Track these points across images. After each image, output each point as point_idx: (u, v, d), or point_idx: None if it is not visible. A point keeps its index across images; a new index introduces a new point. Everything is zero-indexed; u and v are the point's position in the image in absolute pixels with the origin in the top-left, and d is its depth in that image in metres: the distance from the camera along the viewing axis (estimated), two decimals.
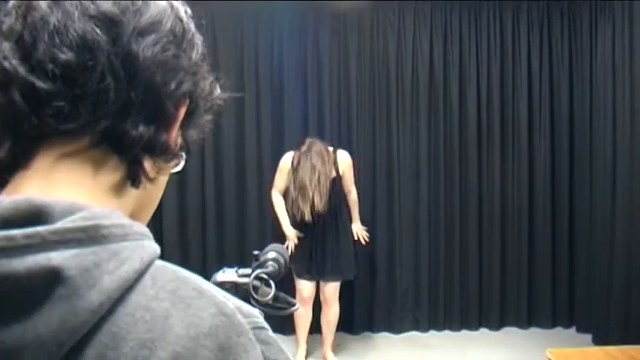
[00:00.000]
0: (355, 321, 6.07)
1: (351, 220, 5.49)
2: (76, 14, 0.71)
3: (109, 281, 0.64)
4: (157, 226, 5.89)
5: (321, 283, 5.35)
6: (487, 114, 6.20)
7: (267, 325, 0.76)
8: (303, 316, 5.32)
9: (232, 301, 0.73)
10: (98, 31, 0.71)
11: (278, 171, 5.33)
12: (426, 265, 6.22)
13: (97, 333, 0.64)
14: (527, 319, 6.31)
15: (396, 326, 6.21)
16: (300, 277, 5.26)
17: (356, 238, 5.47)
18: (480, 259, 6.28)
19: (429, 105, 6.17)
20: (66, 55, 0.70)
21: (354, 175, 5.46)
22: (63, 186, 0.73)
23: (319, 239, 5.24)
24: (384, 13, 6.12)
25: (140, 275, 0.68)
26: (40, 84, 0.70)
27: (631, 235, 5.28)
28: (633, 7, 5.24)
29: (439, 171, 6.21)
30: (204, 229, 6.06)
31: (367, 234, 5.55)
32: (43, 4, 0.72)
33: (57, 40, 0.70)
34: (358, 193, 5.52)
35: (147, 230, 0.74)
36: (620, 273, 5.39)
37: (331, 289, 5.34)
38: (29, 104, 0.70)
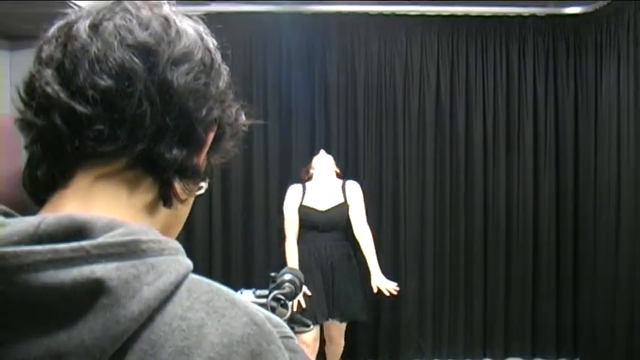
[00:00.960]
0: (359, 348, 6.03)
1: (357, 259, 5.16)
2: (115, 44, 0.76)
3: (148, 292, 0.68)
4: None
5: (326, 324, 5.11)
6: (493, 142, 6.21)
7: (294, 335, 0.81)
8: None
9: (262, 312, 0.77)
10: (136, 59, 0.76)
11: (285, 215, 5.08)
12: (430, 294, 6.19)
13: (137, 341, 0.68)
14: (531, 350, 6.25)
15: (400, 355, 6.16)
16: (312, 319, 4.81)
17: (376, 290, 5.02)
18: (484, 289, 6.25)
19: (435, 132, 6.20)
20: (105, 82, 0.75)
21: None
22: (100, 205, 0.77)
23: (328, 279, 4.94)
24: (392, 40, 6.17)
25: (176, 287, 0.72)
26: (81, 108, 0.74)
27: (634, 267, 5.27)
28: (638, 37, 5.29)
29: (445, 199, 6.21)
30: (211, 252, 6.07)
31: (396, 287, 5.03)
32: (84, 34, 0.77)
33: (97, 68, 0.75)
34: None
35: (180, 246, 0.78)
36: (624, 305, 5.36)
37: (337, 330, 5.17)
38: (70, 127, 0.75)
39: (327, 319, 4.93)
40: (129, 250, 0.69)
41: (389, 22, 6.17)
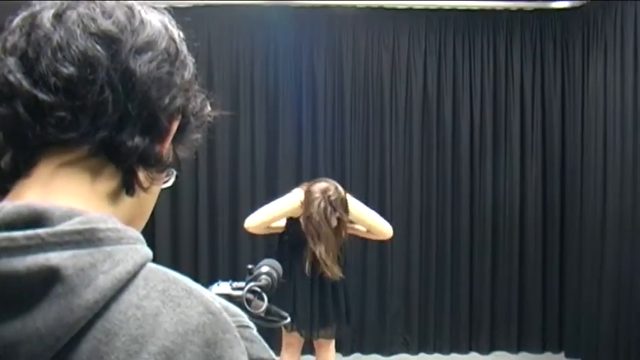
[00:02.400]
0: (346, 342, 6.04)
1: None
2: (78, 32, 0.76)
3: (104, 281, 0.69)
4: (149, 241, 5.90)
5: (316, 342, 4.59)
6: (480, 136, 6.22)
7: (252, 325, 0.81)
8: None
9: (219, 301, 0.77)
10: (98, 47, 0.76)
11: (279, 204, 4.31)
12: (416, 288, 6.21)
13: (91, 329, 0.68)
14: (517, 344, 6.29)
15: (386, 348, 6.18)
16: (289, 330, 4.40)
17: None
18: (470, 283, 6.27)
19: (422, 126, 6.20)
20: (68, 70, 0.74)
21: None
22: (61, 193, 0.77)
23: (315, 291, 4.39)
24: (379, 34, 6.17)
25: (133, 276, 0.72)
26: (43, 96, 0.74)
27: (620, 260, 5.30)
28: (624, 33, 5.30)
29: (431, 194, 6.22)
30: (197, 243, 6.08)
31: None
32: (47, 23, 0.77)
33: (59, 56, 0.75)
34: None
35: (140, 235, 0.79)
36: (609, 299, 5.40)
37: (325, 343, 4.58)
38: (32, 115, 0.75)
39: (308, 335, 4.47)
40: (86, 239, 0.70)
41: (376, 15, 6.15)
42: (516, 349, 6.30)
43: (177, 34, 0.88)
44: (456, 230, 6.25)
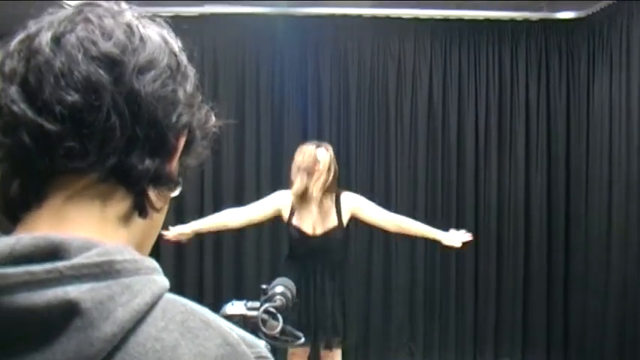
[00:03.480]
0: (351, 351, 6.04)
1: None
2: (79, 56, 0.74)
3: (122, 313, 0.68)
4: (153, 255, 5.92)
5: (322, 353, 4.55)
6: (485, 146, 6.23)
7: (270, 355, 0.80)
8: None
9: (237, 332, 0.77)
10: (101, 71, 0.74)
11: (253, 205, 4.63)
12: (421, 297, 6.21)
13: None
14: (521, 353, 6.28)
15: (391, 357, 6.17)
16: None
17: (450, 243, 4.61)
18: (475, 292, 6.27)
19: (427, 136, 6.21)
20: (72, 97, 0.73)
21: None
22: (74, 222, 0.76)
23: (317, 296, 4.43)
24: (385, 44, 6.19)
25: (151, 307, 0.72)
26: (49, 125, 0.73)
27: (625, 271, 5.30)
28: (630, 43, 5.31)
29: (436, 203, 6.22)
30: (202, 257, 6.09)
31: (468, 234, 4.69)
32: (46, 48, 0.75)
33: (62, 83, 0.73)
34: (355, 225, 5.47)
35: (157, 265, 0.78)
36: (615, 308, 5.39)
37: (334, 354, 4.55)
38: (39, 145, 0.73)
39: (312, 343, 4.41)
40: (103, 271, 0.69)
41: (382, 25, 6.18)
42: (521, 357, 6.28)
43: (176, 45, 0.87)
44: None
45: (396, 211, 6.06)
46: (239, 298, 1.78)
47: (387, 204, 6.08)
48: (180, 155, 0.86)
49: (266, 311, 1.66)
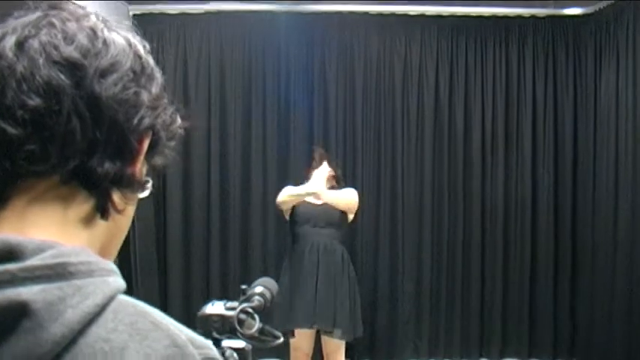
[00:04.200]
0: (357, 348, 6.05)
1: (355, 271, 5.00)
2: (41, 61, 0.75)
3: (72, 314, 0.69)
4: (160, 251, 6.02)
5: (323, 339, 4.75)
6: (491, 142, 6.21)
7: (218, 356, 0.81)
8: None
9: (186, 333, 0.78)
10: (62, 76, 0.75)
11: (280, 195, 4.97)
12: (427, 294, 6.19)
13: None
14: (528, 351, 6.26)
15: (396, 355, 6.17)
16: (295, 324, 4.60)
17: None
18: (481, 289, 6.25)
19: (434, 133, 6.19)
20: (34, 101, 0.74)
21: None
22: (36, 224, 0.77)
23: (315, 283, 4.60)
24: (391, 40, 6.17)
25: (102, 309, 0.72)
26: (11, 130, 0.74)
27: (632, 268, 5.28)
28: (637, 39, 5.29)
29: (443, 199, 6.20)
30: (209, 252, 6.11)
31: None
32: (10, 53, 0.76)
33: (24, 87, 0.74)
34: (362, 222, 5.59)
35: (113, 267, 0.79)
36: (622, 306, 5.37)
37: (332, 346, 4.72)
38: (1, 149, 0.75)
39: (310, 327, 4.60)
40: (56, 273, 0.70)
41: (388, 21, 6.16)
42: (527, 355, 6.26)
43: (142, 48, 0.87)
44: (467, 237, 6.23)
45: (403, 206, 6.10)
46: (220, 299, 1.79)
47: (393, 201, 6.13)
48: (146, 156, 0.87)
49: (243, 311, 1.67)
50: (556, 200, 6.27)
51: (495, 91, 6.22)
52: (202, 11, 6.01)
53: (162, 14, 6.01)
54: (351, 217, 4.98)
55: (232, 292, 5.88)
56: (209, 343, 0.81)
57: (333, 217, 4.81)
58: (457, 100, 6.20)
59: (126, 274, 5.66)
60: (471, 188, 6.21)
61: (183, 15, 6.04)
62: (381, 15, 6.15)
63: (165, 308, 5.98)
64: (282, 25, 6.04)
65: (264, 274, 5.69)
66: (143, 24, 5.89)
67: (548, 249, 6.25)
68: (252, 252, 6.11)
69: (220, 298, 1.77)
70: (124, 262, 5.74)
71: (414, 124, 6.17)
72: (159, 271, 6.05)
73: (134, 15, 5.92)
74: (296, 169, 5.91)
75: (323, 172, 4.96)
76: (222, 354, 1.66)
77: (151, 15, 5.98)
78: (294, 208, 4.88)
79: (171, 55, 6.03)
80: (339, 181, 5.12)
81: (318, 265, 4.64)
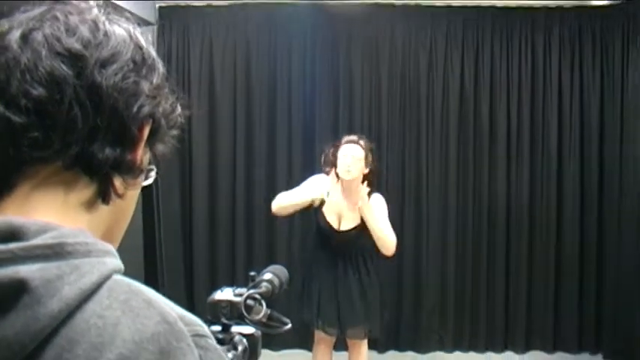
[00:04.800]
0: (381, 339, 6.07)
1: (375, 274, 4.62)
2: (44, 53, 0.80)
3: (69, 291, 0.73)
4: (186, 238, 6.12)
5: (349, 342, 4.68)
6: (517, 134, 6.17)
7: (208, 333, 0.84)
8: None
9: (177, 311, 0.81)
10: (64, 66, 0.80)
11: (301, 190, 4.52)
12: (452, 286, 6.21)
13: (56, 337, 0.72)
14: (553, 343, 6.24)
15: (421, 346, 6.19)
16: (315, 327, 4.58)
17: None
18: (506, 281, 6.25)
19: (459, 124, 6.18)
20: (37, 91, 0.78)
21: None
22: (39, 208, 0.82)
23: (340, 286, 4.47)
24: (417, 32, 6.15)
25: (98, 287, 0.76)
26: (16, 118, 0.78)
27: None
28: None
29: (467, 192, 6.20)
30: (234, 240, 6.20)
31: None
32: (15, 45, 0.80)
33: (28, 77, 0.78)
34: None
35: (111, 249, 0.83)
36: None
37: (355, 347, 4.65)
38: (6, 136, 0.79)
39: (326, 329, 4.55)
40: (55, 252, 0.74)
41: (414, 13, 6.15)
42: (552, 348, 6.25)
43: (143, 40, 0.91)
44: (492, 228, 6.22)
45: (428, 201, 6.10)
46: (230, 285, 1.82)
47: (418, 195, 6.12)
48: (147, 144, 0.91)
49: (251, 297, 1.70)
50: (582, 192, 6.22)
51: (521, 83, 6.18)
52: (228, 4, 6.06)
53: (188, 7, 6.06)
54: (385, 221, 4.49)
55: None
56: (199, 320, 0.84)
57: (354, 246, 4.46)
58: (482, 91, 6.17)
59: (152, 267, 5.81)
60: (495, 180, 6.19)
61: (208, 7, 6.08)
62: (406, 6, 6.15)
63: (191, 296, 6.08)
64: (307, 16, 6.06)
65: (289, 259, 5.80)
66: (169, 17, 6.01)
67: (573, 242, 6.21)
68: (277, 238, 6.18)
69: (230, 285, 1.80)
70: (149, 253, 5.83)
71: (438, 115, 6.16)
72: (184, 262, 6.18)
73: (160, 8, 6.00)
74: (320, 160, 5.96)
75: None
76: (232, 339, 1.69)
77: (176, 8, 6.05)
78: (317, 222, 4.55)
79: (197, 48, 6.08)
80: (370, 184, 4.45)
81: (336, 275, 4.47)
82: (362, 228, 4.37)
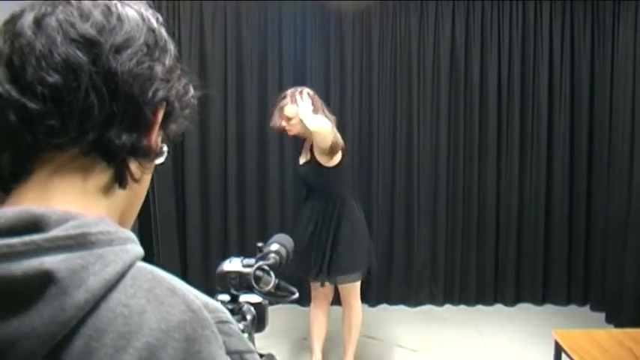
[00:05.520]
0: (372, 293, 6.18)
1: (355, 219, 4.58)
2: (59, 39, 0.79)
3: (94, 281, 0.74)
4: (180, 211, 6.20)
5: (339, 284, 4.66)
6: (507, 94, 6.23)
7: (231, 319, 0.86)
8: (314, 319, 4.76)
9: (201, 299, 0.83)
10: (79, 53, 0.80)
11: None
12: (442, 240, 6.34)
13: (83, 326, 0.74)
14: (542, 296, 6.40)
15: (412, 299, 6.33)
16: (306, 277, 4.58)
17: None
18: (496, 235, 6.37)
19: (450, 84, 6.23)
20: (53, 78, 0.78)
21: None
22: (57, 195, 0.83)
23: (319, 236, 4.46)
24: None
25: (122, 276, 0.78)
26: (32, 105, 0.79)
27: None
28: None
29: (458, 152, 6.28)
30: (226, 206, 6.27)
31: None
32: (28, 31, 0.80)
33: (43, 64, 0.79)
34: (377, 174, 5.66)
35: (131, 235, 0.84)
36: (635, 251, 5.45)
37: (345, 290, 4.67)
38: (23, 123, 0.79)
39: (313, 278, 4.54)
40: (78, 242, 0.75)
41: None
42: (541, 300, 6.39)
43: (155, 21, 0.91)
44: (482, 184, 6.31)
45: (419, 155, 6.12)
46: (238, 256, 1.85)
47: (408, 152, 6.17)
48: (162, 126, 0.92)
49: (260, 268, 1.74)
50: (572, 147, 6.29)
51: (512, 41, 6.19)
52: None
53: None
54: (336, 158, 4.38)
55: (250, 246, 6.01)
56: (221, 307, 0.86)
57: (313, 184, 4.53)
58: (473, 52, 6.19)
59: (146, 233, 5.80)
60: (486, 140, 6.26)
61: None
62: None
63: (184, 262, 6.11)
64: None
65: (281, 228, 5.82)
66: None
67: (563, 196, 6.33)
68: (270, 206, 6.27)
69: (237, 255, 1.83)
70: (144, 221, 5.85)
71: (429, 75, 6.20)
72: (177, 227, 6.23)
73: None
74: None
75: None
76: (240, 309, 1.73)
77: None
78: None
79: (187, 24, 6.05)
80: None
81: (315, 223, 4.47)
82: (314, 162, 4.40)
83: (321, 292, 4.69)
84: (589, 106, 6.25)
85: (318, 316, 4.75)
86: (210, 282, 6.02)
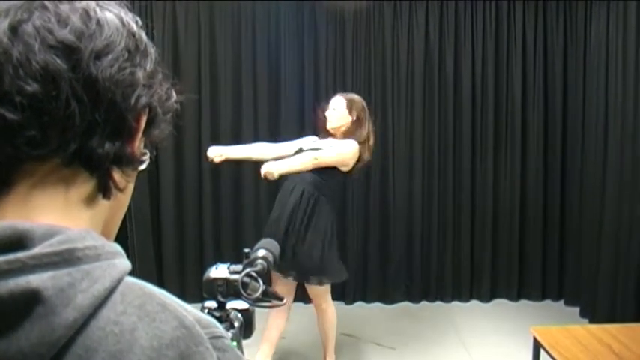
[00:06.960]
0: (349, 291, 6.19)
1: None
2: (37, 46, 0.75)
3: (82, 299, 0.71)
4: (154, 214, 6.15)
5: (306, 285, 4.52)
6: (481, 90, 6.26)
7: (225, 334, 0.84)
8: (273, 317, 4.52)
9: (192, 314, 0.81)
10: (58, 60, 0.75)
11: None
12: (418, 237, 6.35)
13: (72, 346, 0.71)
14: (517, 292, 6.45)
15: (389, 297, 6.34)
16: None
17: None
18: (472, 232, 6.41)
19: (424, 82, 6.25)
20: (31, 87, 0.74)
21: None
22: (39, 207, 0.79)
23: (289, 228, 4.35)
24: None
25: (110, 292, 0.75)
26: (11, 115, 0.74)
27: (619, 213, 5.39)
28: None
29: (433, 150, 6.31)
30: (201, 218, 6.22)
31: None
32: (4, 38, 0.75)
33: (21, 73, 0.74)
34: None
35: (118, 248, 0.81)
36: (608, 247, 5.49)
37: (312, 291, 4.55)
38: (3, 135, 0.75)
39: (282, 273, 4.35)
40: (64, 259, 0.72)
41: None
42: (517, 296, 6.44)
43: (134, 25, 0.87)
44: (457, 181, 6.34)
45: (394, 151, 6.12)
46: (223, 262, 1.83)
47: (384, 149, 6.16)
48: (144, 133, 0.88)
49: (247, 275, 1.72)
50: (545, 145, 6.35)
51: (485, 38, 6.23)
52: None
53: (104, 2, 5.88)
54: (344, 169, 4.44)
55: (225, 246, 5.98)
56: (214, 321, 0.84)
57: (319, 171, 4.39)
58: (447, 48, 6.22)
59: (122, 238, 5.66)
60: (461, 136, 6.29)
61: None
62: None
63: (159, 262, 6.05)
64: None
65: (256, 228, 5.78)
66: None
67: (537, 192, 6.36)
68: (245, 207, 6.23)
69: (224, 261, 1.82)
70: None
71: (404, 73, 6.21)
72: (153, 231, 6.18)
73: None
74: (287, 120, 5.98)
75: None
76: (228, 316, 1.72)
77: None
78: None
79: (160, 25, 6.00)
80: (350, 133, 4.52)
81: (292, 213, 4.37)
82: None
83: (284, 288, 4.34)
84: (562, 105, 6.30)
85: (274, 314, 4.52)
86: (185, 286, 6.05)
